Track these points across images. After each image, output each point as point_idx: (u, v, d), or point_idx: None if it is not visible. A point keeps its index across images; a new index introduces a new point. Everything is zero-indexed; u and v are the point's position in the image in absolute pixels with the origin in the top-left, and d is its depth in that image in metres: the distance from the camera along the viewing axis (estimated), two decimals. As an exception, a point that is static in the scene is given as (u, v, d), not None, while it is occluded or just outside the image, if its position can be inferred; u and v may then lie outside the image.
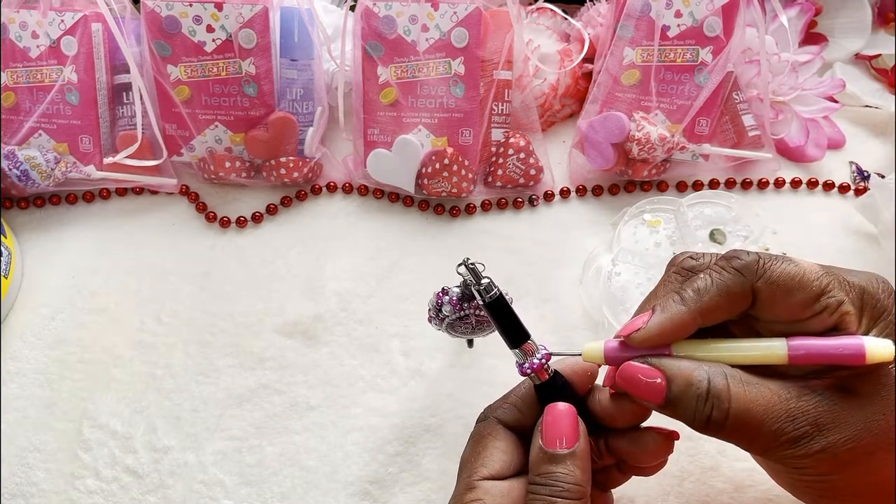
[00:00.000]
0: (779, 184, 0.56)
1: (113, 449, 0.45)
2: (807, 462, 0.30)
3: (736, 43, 0.54)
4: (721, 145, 0.56)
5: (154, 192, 0.57)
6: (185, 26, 0.53)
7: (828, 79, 0.59)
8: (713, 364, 0.32)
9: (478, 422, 0.36)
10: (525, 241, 0.54)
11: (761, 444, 0.31)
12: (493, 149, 0.56)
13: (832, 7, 0.62)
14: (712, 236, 0.49)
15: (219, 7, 0.53)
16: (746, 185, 0.56)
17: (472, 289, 0.35)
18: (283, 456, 0.45)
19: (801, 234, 0.53)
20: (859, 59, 0.63)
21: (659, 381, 0.31)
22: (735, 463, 0.43)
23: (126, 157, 0.54)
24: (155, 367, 0.49)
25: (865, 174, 0.57)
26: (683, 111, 0.54)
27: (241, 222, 0.55)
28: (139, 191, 0.57)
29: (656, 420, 0.34)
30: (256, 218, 0.56)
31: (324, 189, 0.57)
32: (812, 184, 0.56)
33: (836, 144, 0.59)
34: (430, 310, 0.41)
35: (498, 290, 0.35)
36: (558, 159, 0.58)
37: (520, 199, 0.56)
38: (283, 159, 0.55)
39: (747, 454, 0.35)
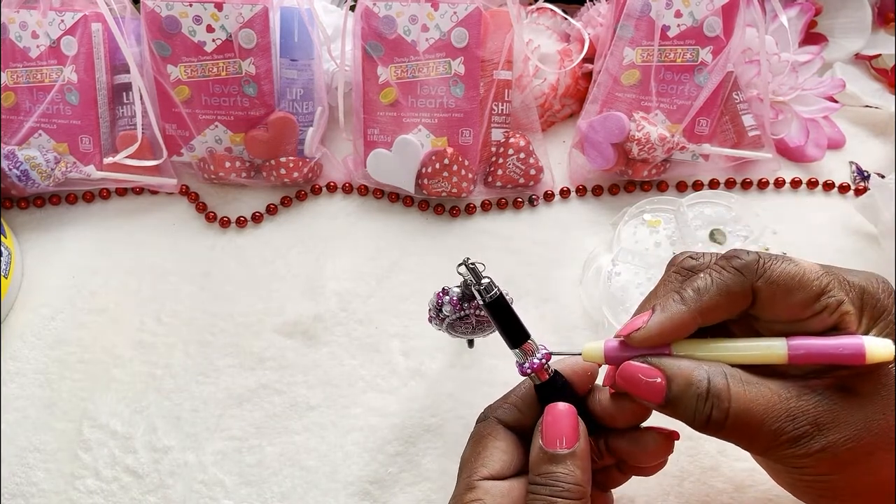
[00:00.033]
0: (779, 184, 0.56)
1: (113, 449, 0.45)
2: (807, 462, 0.30)
3: (736, 43, 0.54)
4: (721, 145, 0.56)
5: (154, 192, 0.57)
6: (185, 26, 0.53)
7: (828, 79, 0.59)
8: (713, 364, 0.32)
9: (478, 422, 0.36)
10: (525, 241, 0.54)
11: (761, 443, 0.31)
12: (493, 149, 0.56)
13: (832, 7, 0.62)
14: (712, 236, 0.49)
15: (219, 7, 0.53)
16: (746, 185, 0.56)
17: (473, 289, 0.35)
18: (283, 456, 0.45)
19: (801, 234, 0.53)
20: (859, 59, 0.63)
21: (659, 380, 0.31)
22: (735, 463, 0.43)
23: (126, 157, 0.54)
24: (155, 367, 0.49)
25: (865, 174, 0.57)
26: (683, 111, 0.54)
27: (241, 222, 0.55)
28: (139, 191, 0.57)
29: (656, 420, 0.34)
30: (256, 218, 0.56)
31: (324, 189, 0.57)
32: (812, 184, 0.56)
33: (836, 144, 0.59)
34: (430, 310, 0.41)
35: (498, 289, 0.35)
36: (558, 159, 0.58)
37: (520, 199, 0.56)
38: (283, 159, 0.55)
39: (747, 454, 0.35)
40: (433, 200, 0.56)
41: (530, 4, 0.61)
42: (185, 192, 0.57)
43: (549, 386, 0.34)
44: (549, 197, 0.56)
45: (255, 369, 0.48)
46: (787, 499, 0.35)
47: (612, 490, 0.37)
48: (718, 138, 0.56)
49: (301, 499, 0.44)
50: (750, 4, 0.54)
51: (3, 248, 0.51)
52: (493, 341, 0.38)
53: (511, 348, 0.35)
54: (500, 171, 0.55)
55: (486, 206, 0.56)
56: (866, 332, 0.31)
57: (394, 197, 0.56)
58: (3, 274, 0.51)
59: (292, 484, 0.44)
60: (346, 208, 0.56)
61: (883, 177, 0.56)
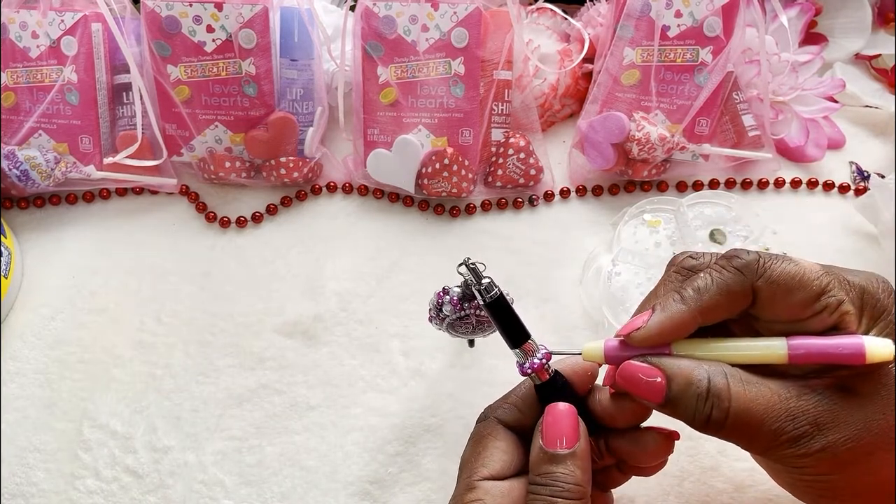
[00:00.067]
0: (779, 184, 0.56)
1: (113, 449, 0.45)
2: (807, 462, 0.30)
3: (736, 43, 0.54)
4: (721, 145, 0.56)
5: (154, 192, 0.57)
6: (185, 26, 0.53)
7: (828, 79, 0.59)
8: (713, 363, 0.32)
9: (478, 422, 0.36)
10: (525, 241, 0.54)
11: (761, 443, 0.31)
12: (493, 149, 0.56)
13: (832, 7, 0.62)
14: (712, 236, 0.49)
15: (219, 7, 0.53)
16: (746, 185, 0.56)
17: (473, 289, 0.35)
18: (283, 456, 0.45)
19: (801, 234, 0.53)
20: (859, 59, 0.63)
21: (659, 380, 0.31)
22: (735, 463, 0.43)
23: (126, 157, 0.54)
24: (155, 367, 0.49)
25: (865, 174, 0.57)
26: (683, 111, 0.54)
27: (241, 222, 0.55)
28: (139, 191, 0.57)
29: (656, 420, 0.34)
30: (256, 218, 0.56)
31: (324, 189, 0.57)
32: (812, 184, 0.56)
33: (836, 144, 0.59)
34: (430, 309, 0.41)
35: (498, 289, 0.35)
36: (558, 159, 0.58)
37: (520, 199, 0.56)
38: (283, 159, 0.55)
39: (747, 454, 0.35)
40: (433, 200, 0.56)
41: (530, 4, 0.61)
42: (185, 192, 0.57)
43: (550, 386, 0.34)
44: (549, 197, 0.56)
45: (255, 369, 0.48)
46: (787, 499, 0.35)
47: (612, 490, 0.37)
48: (718, 138, 0.56)
49: (301, 499, 0.44)
50: (750, 4, 0.54)
51: (3, 248, 0.51)
52: (494, 341, 0.38)
53: (511, 348, 0.35)
54: (500, 171, 0.55)
55: (486, 206, 0.56)
56: (866, 332, 0.31)
57: (394, 197, 0.56)
58: (3, 274, 0.51)
59: (292, 484, 0.44)
60: (346, 208, 0.56)
61: (883, 177, 0.56)
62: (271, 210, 0.56)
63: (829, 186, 0.56)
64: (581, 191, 0.56)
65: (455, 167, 0.53)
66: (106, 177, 0.55)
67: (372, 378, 0.48)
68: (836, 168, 0.58)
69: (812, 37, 0.61)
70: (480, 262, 0.35)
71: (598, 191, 0.56)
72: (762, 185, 0.56)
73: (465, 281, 0.36)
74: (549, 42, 0.59)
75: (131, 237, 0.55)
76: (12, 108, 0.55)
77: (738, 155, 0.55)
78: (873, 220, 0.52)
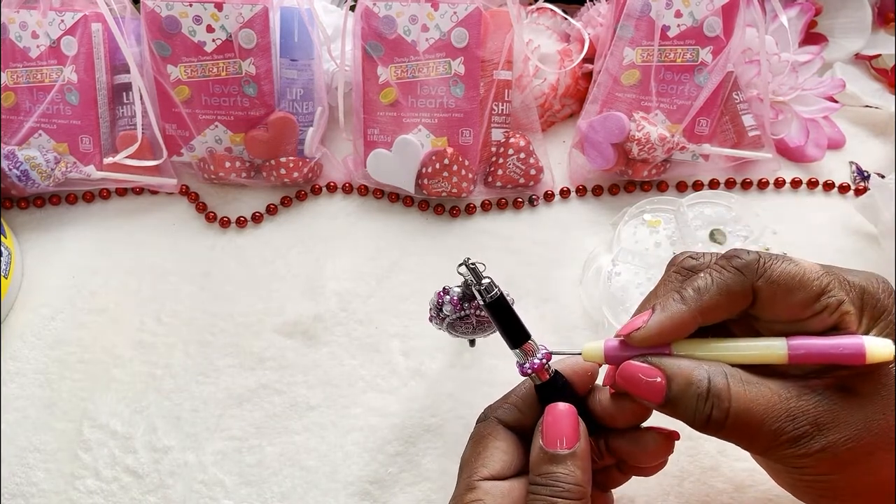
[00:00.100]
0: (779, 184, 0.56)
1: (113, 449, 0.45)
2: (807, 462, 0.30)
3: (736, 43, 0.54)
4: (721, 145, 0.56)
5: (154, 192, 0.57)
6: (185, 26, 0.53)
7: (828, 79, 0.59)
8: (713, 363, 0.32)
9: (478, 422, 0.36)
10: (525, 241, 0.54)
11: (761, 443, 0.31)
12: (493, 149, 0.56)
13: (832, 7, 0.62)
14: (712, 236, 0.49)
15: (219, 7, 0.53)
16: (746, 185, 0.56)
17: (473, 289, 0.35)
18: (283, 456, 0.45)
19: (801, 234, 0.53)
20: (859, 59, 0.63)
21: (659, 380, 0.31)
22: (735, 463, 0.43)
23: (126, 157, 0.54)
24: (155, 367, 0.49)
25: (865, 174, 0.57)
26: (683, 111, 0.54)
27: (241, 222, 0.55)
28: (139, 191, 0.57)
29: (657, 420, 0.34)
30: (256, 218, 0.56)
31: (324, 189, 0.57)
32: (812, 184, 0.56)
33: (836, 144, 0.59)
34: (430, 309, 0.41)
35: (498, 290, 0.35)
36: (558, 159, 0.58)
37: (520, 199, 0.56)
38: (283, 159, 0.55)
39: (747, 454, 0.35)
40: (433, 200, 0.56)
41: (530, 4, 0.61)
42: (185, 192, 0.57)
43: (550, 386, 0.34)
44: (549, 197, 0.56)
45: (255, 369, 0.48)
46: (787, 499, 0.35)
47: (612, 490, 0.37)
48: (718, 138, 0.56)
49: (301, 499, 0.44)
50: (750, 4, 0.54)
51: (3, 248, 0.51)
52: (494, 341, 0.38)
53: (511, 348, 0.35)
54: (500, 171, 0.55)
55: (486, 206, 0.56)
56: (866, 332, 0.31)
57: (394, 197, 0.56)
58: (3, 274, 0.51)
59: (292, 484, 0.44)
60: (346, 208, 0.56)
61: (883, 177, 0.56)
62: (271, 210, 0.56)
63: (829, 186, 0.56)
64: (581, 191, 0.56)
65: (455, 167, 0.53)
66: (106, 177, 0.55)
67: (372, 378, 0.48)
68: (836, 168, 0.58)
69: (812, 37, 0.61)
70: (480, 263, 0.35)
71: (598, 191, 0.56)
72: (762, 185, 0.56)
73: (466, 281, 0.36)
74: (549, 42, 0.59)
75: (131, 237, 0.55)
76: (12, 108, 0.55)
77: (738, 155, 0.55)
78: (873, 220, 0.52)
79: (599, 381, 0.36)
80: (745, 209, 0.50)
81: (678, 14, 0.53)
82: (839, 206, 0.56)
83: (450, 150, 0.53)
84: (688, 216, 0.50)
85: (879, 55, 0.62)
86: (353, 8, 0.54)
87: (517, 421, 0.35)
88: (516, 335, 0.34)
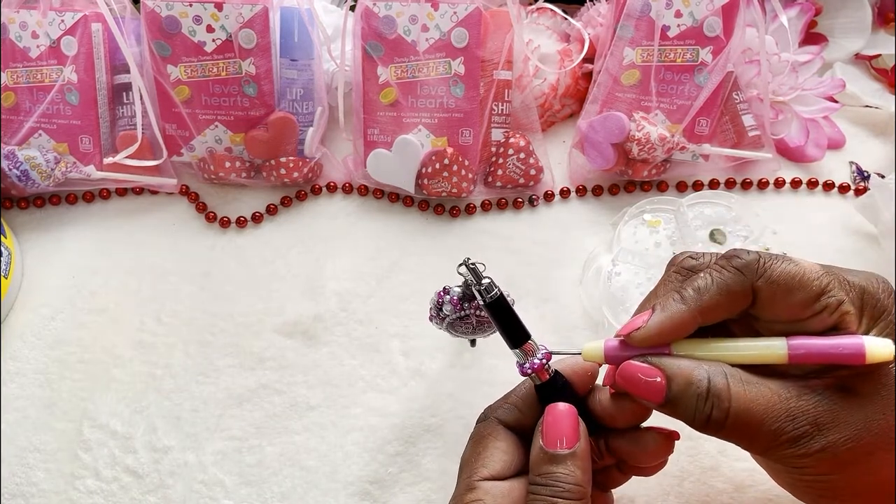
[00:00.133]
0: (779, 184, 0.56)
1: (113, 449, 0.45)
2: (807, 462, 0.30)
3: (736, 43, 0.54)
4: (721, 145, 0.56)
5: (154, 192, 0.57)
6: (185, 26, 0.53)
7: (828, 79, 0.59)
8: (713, 363, 0.32)
9: (478, 422, 0.36)
10: (525, 241, 0.54)
11: (761, 443, 0.31)
12: (493, 149, 0.56)
13: (832, 7, 0.62)
14: (712, 236, 0.49)
15: (219, 7, 0.53)
16: (746, 185, 0.56)
17: (473, 289, 0.35)
18: (283, 456, 0.45)
19: (801, 234, 0.53)
20: (859, 59, 0.63)
21: (659, 380, 0.31)
22: (735, 463, 0.43)
23: (126, 157, 0.54)
24: (155, 367, 0.49)
25: (865, 174, 0.57)
26: (683, 111, 0.54)
27: (241, 222, 0.55)
28: (139, 191, 0.57)
29: (657, 420, 0.34)
30: (256, 218, 0.56)
31: (324, 189, 0.57)
32: (812, 184, 0.56)
33: (836, 144, 0.59)
34: (431, 309, 0.41)
35: (498, 290, 0.35)
36: (558, 159, 0.58)
37: (520, 199, 0.56)
38: (283, 159, 0.55)
39: (747, 454, 0.35)
40: (433, 200, 0.56)
41: (530, 4, 0.61)
42: (185, 192, 0.57)
43: (550, 386, 0.34)
44: (549, 197, 0.56)
45: (255, 369, 0.48)
46: (787, 499, 0.35)
47: (612, 490, 0.37)
48: (718, 138, 0.56)
49: (301, 499, 0.44)
50: (750, 4, 0.54)
51: (3, 248, 0.51)
52: (494, 341, 0.38)
53: (511, 348, 0.35)
54: (500, 171, 0.55)
55: (486, 206, 0.56)
56: (866, 332, 0.31)
57: (394, 197, 0.56)
58: (3, 274, 0.51)
59: (292, 484, 0.44)
60: (346, 208, 0.56)
61: (883, 177, 0.56)
62: (271, 210, 0.56)
63: (829, 186, 0.56)
64: (581, 191, 0.56)
65: (455, 167, 0.53)
66: (106, 177, 0.55)
67: (372, 378, 0.48)
68: (836, 168, 0.58)
69: (812, 37, 0.61)
70: (480, 263, 0.35)
71: (598, 191, 0.56)
72: (762, 185, 0.56)
73: (466, 281, 0.36)
74: (549, 42, 0.59)
75: (131, 237, 0.55)
76: (12, 108, 0.55)
77: (738, 155, 0.55)
78: (873, 220, 0.52)
79: (599, 381, 0.36)
80: (745, 209, 0.50)
81: (678, 14, 0.53)
82: (839, 206, 0.56)
83: (450, 150, 0.53)
84: (688, 216, 0.50)
85: (879, 55, 0.62)
86: (353, 8, 0.54)
87: (517, 421, 0.35)
88: (516, 335, 0.34)
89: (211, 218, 0.56)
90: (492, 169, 0.55)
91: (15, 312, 0.51)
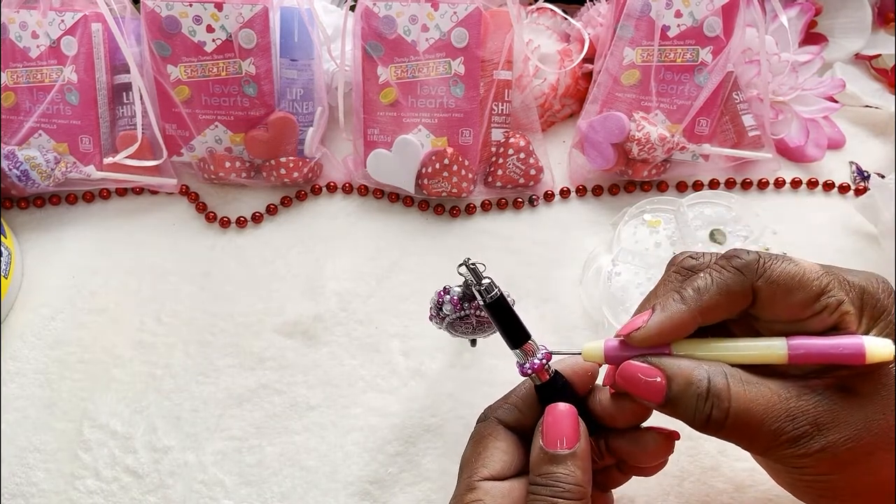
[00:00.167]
0: (779, 184, 0.56)
1: (113, 449, 0.45)
2: (807, 462, 0.30)
3: (736, 43, 0.54)
4: (721, 145, 0.56)
5: (154, 192, 0.57)
6: (185, 26, 0.53)
7: (828, 79, 0.59)
8: (713, 363, 0.32)
9: (478, 422, 0.36)
10: (525, 241, 0.54)
11: (761, 443, 0.31)
12: (493, 149, 0.56)
13: (832, 7, 0.62)
14: (712, 236, 0.50)
15: (219, 7, 0.53)
16: (746, 185, 0.56)
17: (473, 289, 0.35)
18: (283, 456, 0.45)
19: (801, 234, 0.53)
20: (859, 59, 0.63)
21: (659, 380, 0.31)
22: (735, 463, 0.43)
23: (126, 157, 0.54)
24: (155, 367, 0.49)
25: (865, 174, 0.57)
26: (683, 111, 0.54)
27: (241, 222, 0.55)
28: (139, 191, 0.57)
29: (657, 420, 0.34)
30: (256, 218, 0.56)
31: (324, 189, 0.57)
32: (812, 184, 0.56)
33: (836, 144, 0.59)
34: (431, 308, 0.41)
35: (498, 290, 0.35)
36: (558, 159, 0.58)
37: (520, 199, 0.56)
38: (283, 159, 0.55)
39: (747, 454, 0.35)
40: (433, 200, 0.56)
41: (530, 4, 0.61)
42: (185, 192, 0.57)
43: (550, 386, 0.34)
44: (549, 197, 0.56)
45: (255, 369, 0.48)
46: (787, 499, 0.35)
47: (613, 490, 0.37)
48: (718, 138, 0.56)
49: (301, 499, 0.44)
50: (750, 4, 0.54)
51: (3, 248, 0.51)
52: (494, 341, 0.38)
53: (511, 349, 0.35)
54: (500, 171, 0.55)
55: (486, 206, 0.56)
56: (866, 332, 0.31)
57: (394, 197, 0.56)
58: (3, 274, 0.51)
59: (292, 484, 0.44)
60: (346, 208, 0.56)
61: (883, 177, 0.56)
62: (271, 210, 0.56)
63: (829, 186, 0.56)
64: (581, 191, 0.56)
65: (455, 167, 0.53)
66: (106, 177, 0.55)
67: (372, 378, 0.48)
68: (836, 168, 0.58)
69: (812, 37, 0.61)
70: (480, 263, 0.35)
71: (598, 191, 0.56)
72: (762, 185, 0.56)
73: (466, 281, 0.36)
74: (549, 42, 0.59)
75: (131, 237, 0.55)
76: (12, 108, 0.55)
77: (738, 155, 0.55)
78: (873, 220, 0.52)
79: (599, 381, 0.36)
80: (745, 209, 0.50)
81: (678, 14, 0.53)
82: (839, 206, 0.56)
83: (450, 150, 0.53)
84: (688, 216, 0.50)
85: (879, 55, 0.62)
86: (353, 8, 0.54)
87: (517, 421, 0.35)
88: (516, 335, 0.34)
89: (211, 218, 0.56)
90: (492, 169, 0.55)
91: (15, 312, 0.51)
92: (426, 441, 0.45)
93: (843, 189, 0.56)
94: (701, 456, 0.43)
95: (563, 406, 0.33)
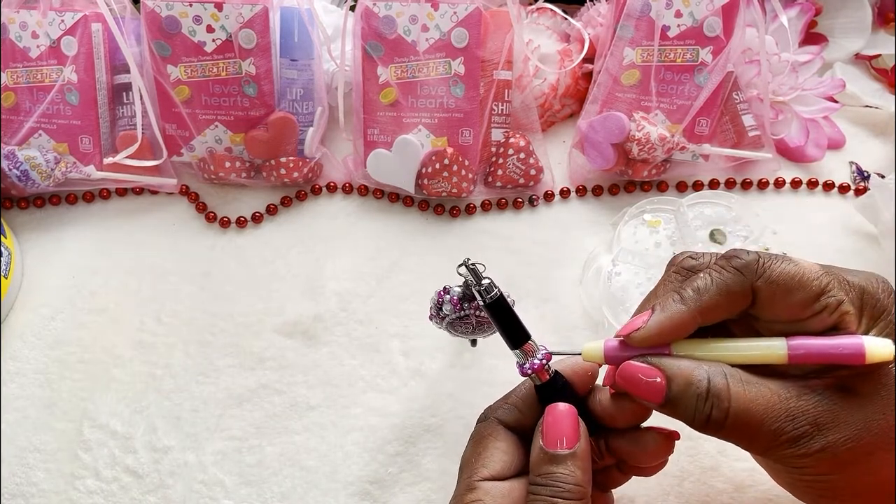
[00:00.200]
0: (779, 184, 0.56)
1: (113, 449, 0.45)
2: (806, 462, 0.30)
3: (736, 43, 0.54)
4: (721, 145, 0.56)
5: (154, 192, 0.57)
6: (185, 26, 0.53)
7: (828, 79, 0.59)
8: (713, 363, 0.32)
9: (478, 422, 0.36)
10: (525, 241, 0.54)
11: (761, 443, 0.31)
12: (493, 149, 0.56)
13: (832, 7, 0.62)
14: (712, 236, 0.50)
15: (219, 7, 0.53)
16: (746, 185, 0.56)
17: (473, 289, 0.35)
18: (283, 456, 0.45)
19: (801, 234, 0.53)
20: (859, 59, 0.63)
21: (659, 380, 0.31)
22: (735, 463, 0.43)
23: (126, 157, 0.54)
24: (155, 367, 0.49)
25: (865, 174, 0.57)
26: (683, 111, 0.54)
27: (241, 222, 0.55)
28: (139, 191, 0.57)
29: (656, 420, 0.34)
30: (256, 218, 0.56)
31: (324, 189, 0.57)
32: (812, 184, 0.56)
33: (836, 144, 0.59)
34: (431, 308, 0.41)
35: (498, 290, 0.35)
36: (558, 159, 0.58)
37: (520, 199, 0.56)
38: (283, 159, 0.55)
39: (747, 454, 0.35)
40: (433, 200, 0.56)
41: (530, 4, 0.61)
42: (185, 192, 0.57)
43: (550, 386, 0.34)
44: (549, 197, 0.56)
45: (255, 369, 0.48)
46: (787, 499, 0.35)
47: (613, 490, 0.37)
48: (718, 138, 0.56)
49: (301, 499, 0.44)
50: (750, 4, 0.54)
51: (3, 248, 0.51)
52: (494, 341, 0.38)
53: (511, 349, 0.35)
54: (500, 171, 0.55)
55: (486, 206, 0.56)
56: (866, 332, 0.31)
57: (394, 197, 0.56)
58: (3, 274, 0.51)
59: (292, 484, 0.44)
60: (346, 208, 0.56)
61: (883, 177, 0.56)
62: (271, 210, 0.56)
63: (829, 186, 0.56)
64: (581, 191, 0.56)
65: (455, 167, 0.53)
66: (106, 177, 0.55)
67: (372, 378, 0.48)
68: (836, 168, 0.58)
69: (812, 37, 0.61)
70: (480, 263, 0.35)
71: (598, 191, 0.56)
72: (762, 185, 0.56)
73: (466, 281, 0.36)
74: (549, 42, 0.59)
75: (131, 237, 0.55)
76: (12, 108, 0.55)
77: (738, 155, 0.55)
78: (873, 220, 0.52)
79: (599, 381, 0.36)
80: (745, 209, 0.50)
81: (678, 14, 0.53)
82: (839, 206, 0.56)
83: (450, 150, 0.53)
84: (688, 216, 0.50)
85: (879, 55, 0.62)
86: (353, 8, 0.54)
87: (517, 421, 0.35)
88: (516, 336, 0.34)
89: (211, 218, 0.56)
90: (492, 169, 0.55)
91: (15, 312, 0.51)
92: (426, 441, 0.45)
93: (843, 189, 0.56)
94: (701, 456, 0.43)
95: (563, 406, 0.33)
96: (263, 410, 0.47)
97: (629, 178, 0.56)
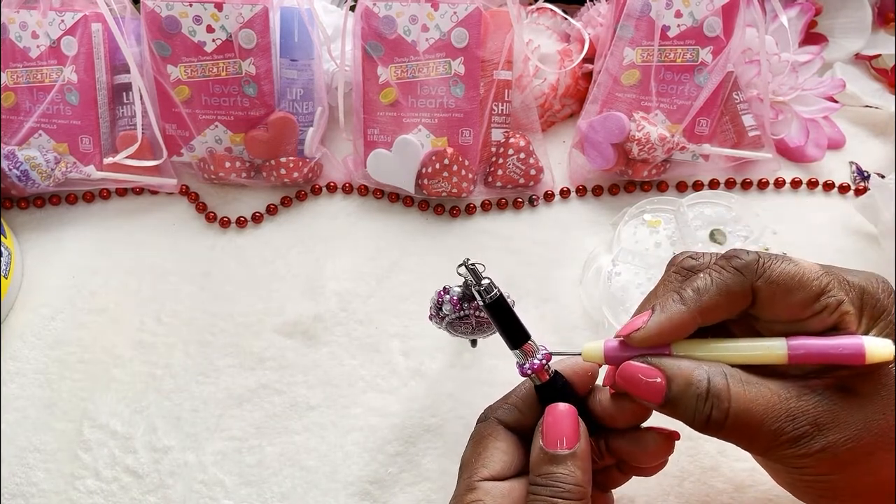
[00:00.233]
0: (779, 184, 0.56)
1: (113, 449, 0.45)
2: (807, 462, 0.30)
3: (736, 43, 0.54)
4: (721, 145, 0.56)
5: (154, 192, 0.57)
6: (185, 26, 0.53)
7: (828, 79, 0.59)
8: (713, 364, 0.32)
9: (478, 422, 0.36)
10: (525, 241, 0.54)
11: (761, 443, 0.31)
12: (493, 149, 0.56)
13: (832, 7, 0.62)
14: (712, 236, 0.50)
15: (219, 7, 0.53)
16: (746, 185, 0.56)
17: (473, 289, 0.35)
18: (283, 456, 0.45)
19: (801, 234, 0.53)
20: (859, 59, 0.63)
21: (659, 380, 0.31)
22: (735, 463, 0.43)
23: (126, 157, 0.54)
24: (155, 367, 0.49)
25: (865, 174, 0.57)
26: (683, 111, 0.54)
27: (241, 222, 0.55)
28: (139, 191, 0.57)
29: (656, 420, 0.34)
30: (256, 218, 0.56)
31: (324, 189, 0.57)
32: (812, 184, 0.56)
33: (836, 144, 0.59)
34: (431, 308, 0.41)
35: (498, 290, 0.35)
36: (558, 159, 0.58)
37: (520, 199, 0.56)
38: (283, 159, 0.55)
39: (747, 454, 0.35)
40: (433, 200, 0.56)
41: (530, 4, 0.61)
42: (185, 192, 0.57)
43: (550, 386, 0.34)
44: (549, 197, 0.56)
45: (255, 369, 0.48)
46: (787, 499, 0.35)
47: (613, 490, 0.37)
48: (718, 138, 0.56)
49: (301, 499, 0.44)
50: (750, 4, 0.54)
51: (3, 248, 0.51)
52: (494, 341, 0.38)
53: (511, 349, 0.35)
54: (500, 171, 0.55)
55: (486, 206, 0.56)
56: (866, 332, 0.31)
57: (394, 197, 0.56)
58: (3, 274, 0.51)
59: (292, 484, 0.44)
60: (346, 208, 0.56)
61: (883, 177, 0.56)
62: (271, 210, 0.56)
63: (829, 186, 0.56)
64: (581, 191, 0.56)
65: (455, 167, 0.53)
66: (106, 177, 0.55)
67: (372, 378, 0.48)
68: (836, 168, 0.58)
69: (812, 37, 0.61)
70: (480, 263, 0.35)
71: (598, 191, 0.56)
72: (762, 185, 0.56)
73: (465, 281, 0.36)
74: (549, 42, 0.59)
75: (131, 237, 0.55)
76: (12, 108, 0.55)
77: (738, 155, 0.55)
78: (873, 220, 0.52)
79: (599, 381, 0.36)
80: (745, 209, 0.50)
81: (678, 14, 0.53)
82: (839, 206, 0.56)
83: (450, 150, 0.53)
84: (688, 216, 0.50)
85: (879, 55, 0.62)
86: (353, 8, 0.54)
87: (517, 421, 0.35)
88: (516, 336, 0.34)
89: (211, 218, 0.56)
90: (492, 169, 0.55)
91: (15, 312, 0.51)
92: (426, 441, 0.45)
93: (843, 189, 0.56)
94: (701, 456, 0.43)
95: (563, 406, 0.33)
96: (263, 410, 0.47)
97: (629, 178, 0.56)
